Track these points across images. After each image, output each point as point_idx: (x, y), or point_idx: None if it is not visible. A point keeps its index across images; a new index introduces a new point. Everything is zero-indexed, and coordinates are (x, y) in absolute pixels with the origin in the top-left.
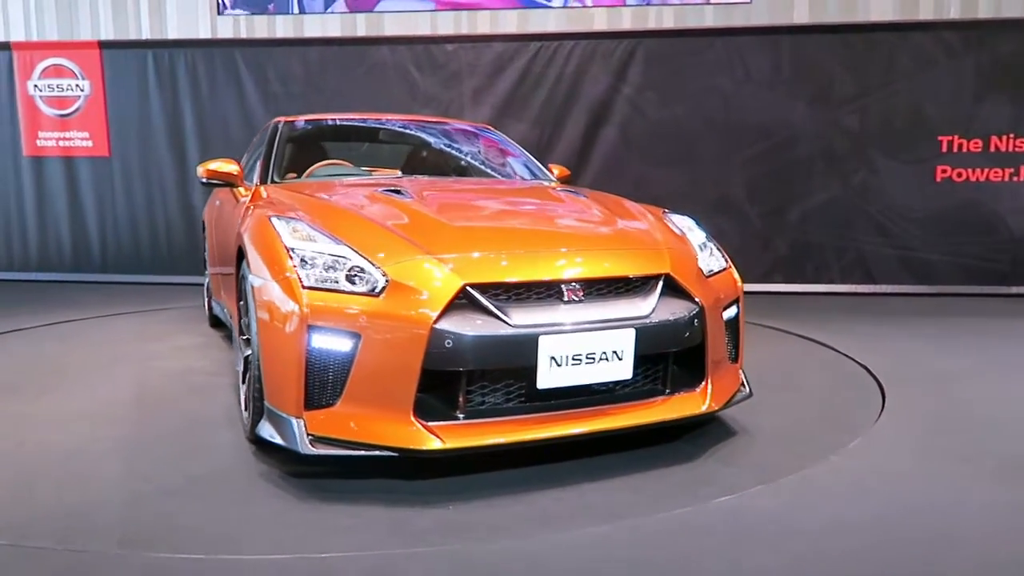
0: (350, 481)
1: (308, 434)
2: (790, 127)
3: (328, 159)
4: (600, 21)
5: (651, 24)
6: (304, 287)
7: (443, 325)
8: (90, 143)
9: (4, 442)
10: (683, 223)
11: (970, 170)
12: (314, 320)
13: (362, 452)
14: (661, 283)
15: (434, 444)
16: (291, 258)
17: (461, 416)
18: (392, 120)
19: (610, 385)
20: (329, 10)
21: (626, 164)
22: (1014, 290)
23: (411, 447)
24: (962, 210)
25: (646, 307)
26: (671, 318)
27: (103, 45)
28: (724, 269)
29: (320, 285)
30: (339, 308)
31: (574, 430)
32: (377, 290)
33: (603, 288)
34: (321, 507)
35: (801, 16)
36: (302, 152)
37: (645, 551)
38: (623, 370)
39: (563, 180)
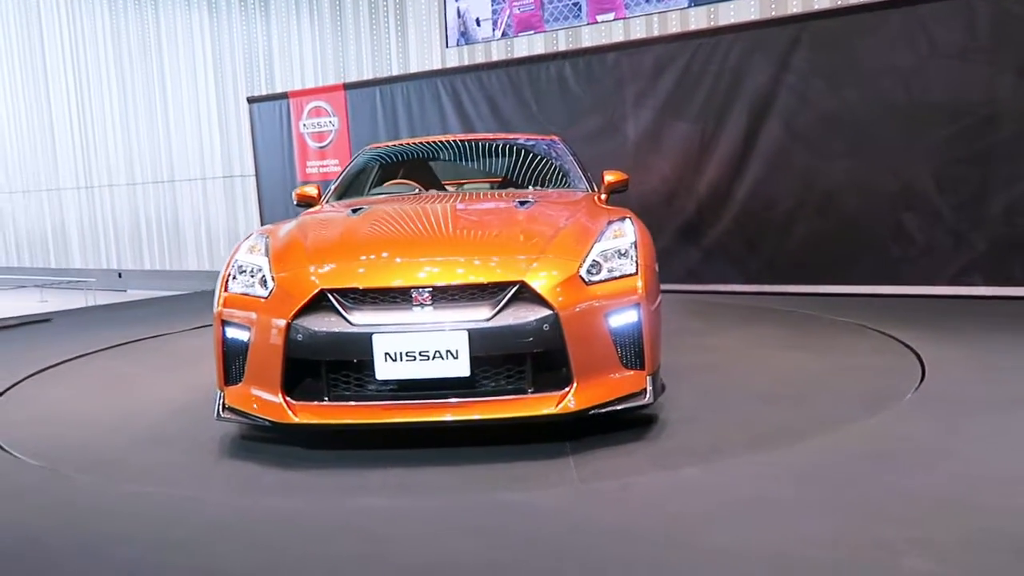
0: (269, 445)
1: (223, 405)
2: (990, 102)
3: (398, 179)
4: (763, 10)
5: (816, 5)
6: (226, 291)
7: (298, 322)
8: (339, 168)
9: (118, 398)
10: (614, 231)
11: None
12: (226, 317)
13: (248, 421)
14: (513, 290)
15: (290, 419)
16: (231, 268)
17: (326, 399)
18: (461, 140)
19: (448, 380)
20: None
21: (792, 157)
22: None
23: (276, 420)
24: None
25: (487, 312)
26: (511, 322)
27: (347, 86)
28: (625, 276)
29: (239, 290)
30: (241, 308)
31: (416, 419)
32: (268, 294)
33: (454, 294)
34: (223, 461)
35: None
36: (381, 173)
37: (368, 522)
38: (460, 368)
39: (616, 186)
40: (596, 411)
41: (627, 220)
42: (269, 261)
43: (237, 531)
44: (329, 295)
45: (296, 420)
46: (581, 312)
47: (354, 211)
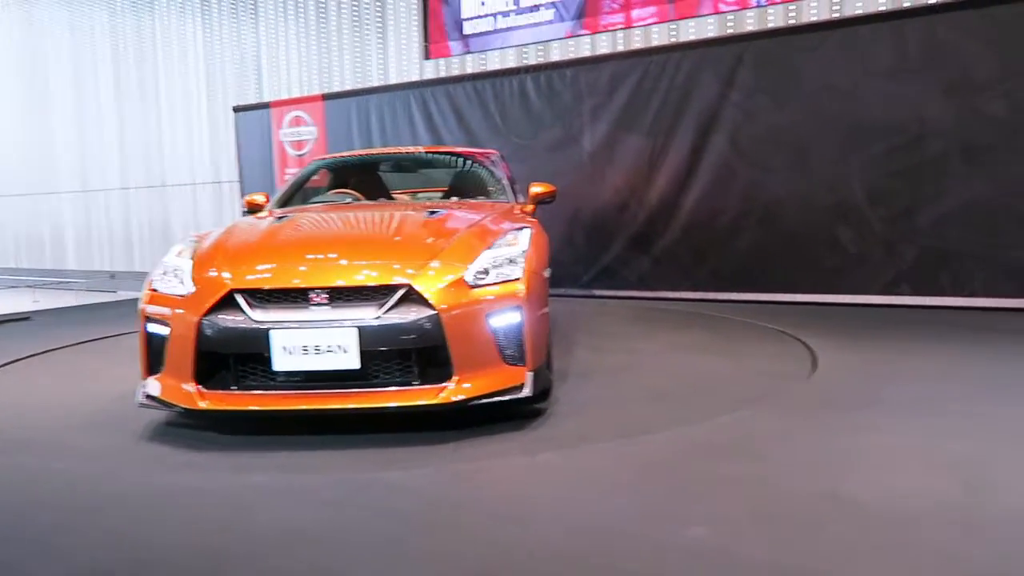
0: (187, 430)
1: (144, 393)
2: (919, 120)
3: (344, 189)
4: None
5: (770, 22)
6: (151, 290)
7: (208, 318)
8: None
9: (70, 389)
10: (509, 240)
11: None
12: (149, 313)
13: (164, 408)
14: (401, 292)
15: (199, 405)
16: (158, 269)
17: (234, 387)
18: (401, 153)
19: (340, 372)
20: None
21: (736, 170)
22: None
23: (187, 406)
24: None
25: (376, 311)
26: (397, 321)
27: (325, 97)
28: (511, 280)
29: (163, 289)
30: (162, 305)
31: (311, 406)
32: (186, 294)
33: (349, 295)
34: (143, 443)
35: None
36: (329, 182)
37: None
38: (350, 361)
39: (542, 198)
40: (476, 402)
41: (525, 230)
42: (192, 264)
43: (133, 501)
44: (237, 295)
45: (203, 406)
46: (463, 313)
47: (279, 218)
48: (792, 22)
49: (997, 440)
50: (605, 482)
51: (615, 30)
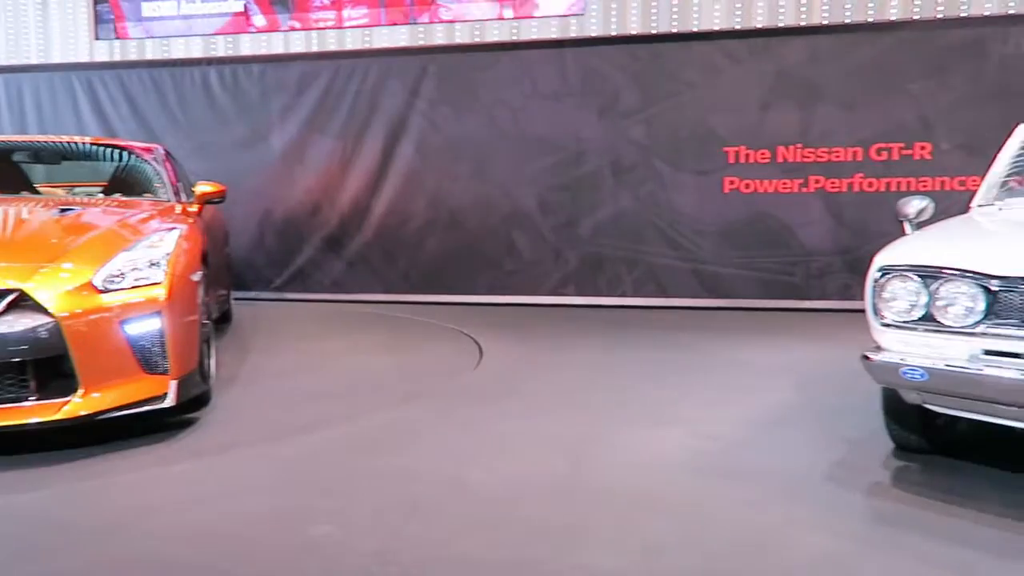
0: None
1: None
2: (578, 139)
3: None
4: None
5: (457, 38)
6: None
7: None
8: None
9: None
10: (152, 241)
11: (758, 181)
12: None
13: None
14: (10, 298)
15: None
16: None
17: None
18: (40, 142)
19: None
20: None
21: (423, 177)
22: (807, 304)
23: None
24: (751, 222)
25: None
26: (3, 331)
27: None
28: (150, 284)
29: None
30: None
31: None
32: None
33: None
34: None
35: (633, 27)
36: None
37: None
38: None
39: (210, 197)
40: (107, 415)
41: (174, 231)
42: None
43: None
44: None
45: None
46: (91, 320)
47: None
48: (477, 40)
49: (608, 421)
50: (241, 487)
51: (317, 29)
